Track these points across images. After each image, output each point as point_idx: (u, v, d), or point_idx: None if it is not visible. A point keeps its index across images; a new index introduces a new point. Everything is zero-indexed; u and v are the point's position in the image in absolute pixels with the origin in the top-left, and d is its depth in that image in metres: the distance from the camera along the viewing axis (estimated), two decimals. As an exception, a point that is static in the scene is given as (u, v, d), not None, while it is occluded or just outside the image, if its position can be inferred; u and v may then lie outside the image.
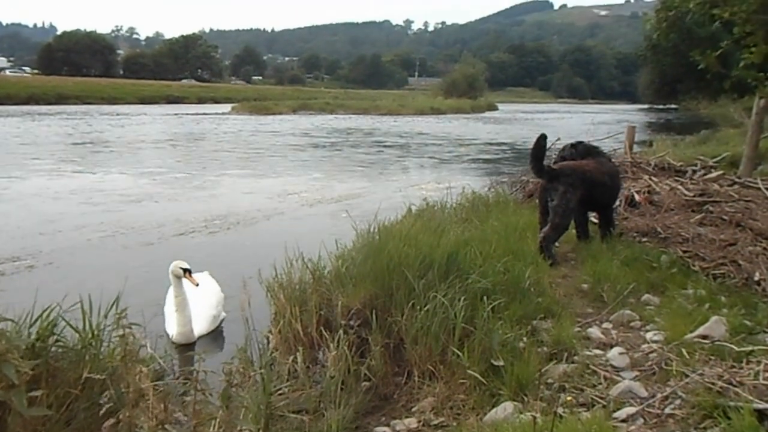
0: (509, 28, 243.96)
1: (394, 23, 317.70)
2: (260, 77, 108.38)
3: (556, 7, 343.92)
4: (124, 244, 7.07)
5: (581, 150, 5.55)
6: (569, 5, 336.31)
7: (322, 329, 3.54)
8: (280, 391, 2.98)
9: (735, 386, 2.44)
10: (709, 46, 6.77)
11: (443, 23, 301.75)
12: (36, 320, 2.63)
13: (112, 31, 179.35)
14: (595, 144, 5.98)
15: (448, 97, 58.90)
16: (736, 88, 15.30)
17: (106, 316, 2.81)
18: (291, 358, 3.30)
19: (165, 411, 2.36)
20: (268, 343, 3.80)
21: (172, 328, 4.30)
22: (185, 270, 4.23)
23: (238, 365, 3.19)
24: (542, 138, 4.88)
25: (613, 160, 6.33)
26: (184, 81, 76.66)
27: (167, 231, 7.67)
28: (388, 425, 2.90)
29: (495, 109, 59.95)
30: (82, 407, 2.47)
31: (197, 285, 4.31)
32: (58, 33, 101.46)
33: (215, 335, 4.58)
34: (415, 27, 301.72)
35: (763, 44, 6.29)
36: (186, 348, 4.26)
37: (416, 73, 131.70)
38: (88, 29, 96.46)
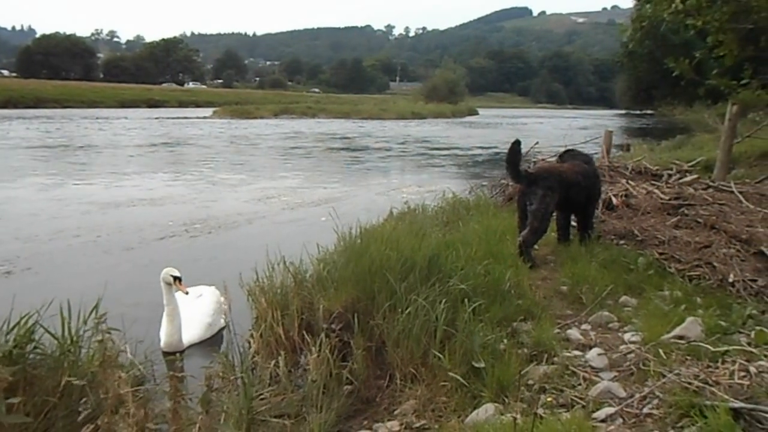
0: (489, 34, 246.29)
1: (375, 28, 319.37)
2: (237, 81, 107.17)
3: (534, 13, 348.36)
4: (104, 248, 6.95)
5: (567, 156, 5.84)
6: (548, 12, 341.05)
7: (303, 333, 3.53)
8: (261, 396, 2.97)
9: (711, 386, 2.48)
10: (684, 53, 6.94)
11: (424, 29, 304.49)
12: (13, 327, 2.57)
13: (92, 35, 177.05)
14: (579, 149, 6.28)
15: (429, 102, 59.20)
16: (711, 95, 15.61)
17: (85, 322, 2.76)
18: (273, 362, 3.28)
19: (145, 417, 2.34)
20: (250, 347, 3.76)
21: (162, 336, 4.21)
22: (175, 278, 4.13)
23: (218, 370, 3.16)
24: (517, 144, 4.95)
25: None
26: (164, 85, 75.90)
27: (147, 235, 7.57)
28: (370, 429, 2.89)
29: (475, 113, 60.32)
30: (60, 414, 2.43)
31: (187, 293, 4.24)
32: (37, 36, 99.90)
33: (208, 343, 4.40)
34: (396, 32, 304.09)
35: (737, 49, 6.46)
36: (172, 354, 4.14)
37: (397, 78, 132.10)
38: (68, 32, 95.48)
